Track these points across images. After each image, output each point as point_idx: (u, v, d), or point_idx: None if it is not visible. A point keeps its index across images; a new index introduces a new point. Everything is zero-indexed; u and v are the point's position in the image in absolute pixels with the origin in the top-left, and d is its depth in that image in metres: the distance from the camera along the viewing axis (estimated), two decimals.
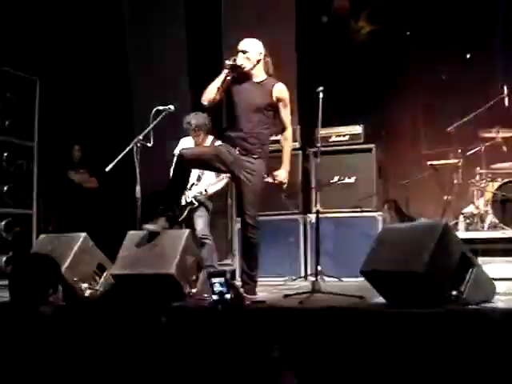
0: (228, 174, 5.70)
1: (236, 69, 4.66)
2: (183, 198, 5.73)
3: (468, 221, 6.12)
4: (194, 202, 5.85)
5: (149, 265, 4.59)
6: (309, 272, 6.47)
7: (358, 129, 6.81)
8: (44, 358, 3.84)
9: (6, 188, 6.77)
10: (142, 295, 4.48)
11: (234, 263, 6.80)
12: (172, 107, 5.01)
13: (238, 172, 4.67)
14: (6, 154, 6.81)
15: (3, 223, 6.72)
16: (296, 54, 7.67)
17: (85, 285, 4.84)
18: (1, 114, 6.81)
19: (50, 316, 4.07)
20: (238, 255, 6.46)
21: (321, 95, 5.12)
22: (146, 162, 4.97)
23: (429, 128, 7.12)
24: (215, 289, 4.04)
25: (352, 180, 6.64)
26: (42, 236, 5.37)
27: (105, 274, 4.98)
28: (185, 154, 4.80)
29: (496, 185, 6.04)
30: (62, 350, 3.92)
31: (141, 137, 4.90)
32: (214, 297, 4.04)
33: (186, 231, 4.87)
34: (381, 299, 4.12)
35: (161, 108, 4.99)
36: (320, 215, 5.34)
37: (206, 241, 5.75)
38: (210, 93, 4.66)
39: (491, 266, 5.00)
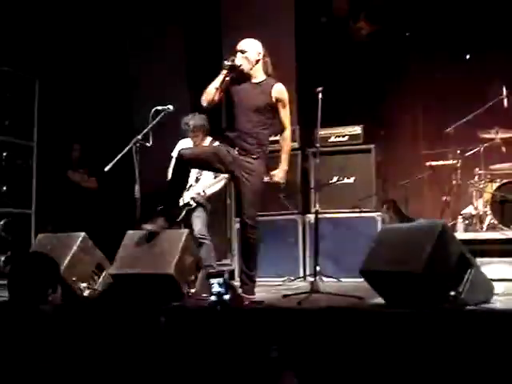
0: (226, 175, 5.73)
1: (235, 69, 4.66)
2: (181, 199, 5.73)
3: (467, 222, 6.12)
4: (192, 203, 5.85)
5: (148, 265, 4.59)
6: (308, 272, 6.48)
7: (357, 129, 6.81)
8: (43, 356, 3.85)
9: (5, 188, 6.77)
10: (141, 295, 4.48)
11: (233, 263, 6.80)
12: (171, 107, 5.01)
13: (237, 172, 4.67)
14: (5, 154, 6.81)
15: (2, 223, 6.72)
16: (295, 55, 7.67)
17: (84, 284, 4.84)
18: (0, 113, 6.81)
19: (51, 314, 4.07)
20: (237, 255, 6.46)
21: (320, 95, 5.13)
22: (146, 161, 4.98)
23: (428, 128, 7.13)
24: (213, 290, 4.04)
25: (351, 180, 6.64)
26: (40, 235, 5.37)
27: (103, 274, 4.99)
28: (184, 153, 4.81)
29: (495, 186, 6.04)
30: (60, 350, 3.93)
31: (140, 137, 4.90)
32: (213, 298, 4.05)
33: (185, 231, 4.88)
34: (379, 299, 4.12)
35: (160, 108, 5.00)
36: (319, 215, 5.35)
37: (204, 241, 5.74)
38: (209, 93, 4.66)
39: (490, 267, 5.02)
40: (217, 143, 5.29)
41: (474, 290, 3.78)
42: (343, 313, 3.78)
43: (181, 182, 5.00)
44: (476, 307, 3.74)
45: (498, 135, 6.15)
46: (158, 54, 8.33)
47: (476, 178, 6.20)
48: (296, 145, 6.72)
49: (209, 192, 5.93)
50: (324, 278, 5.70)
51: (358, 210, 6.50)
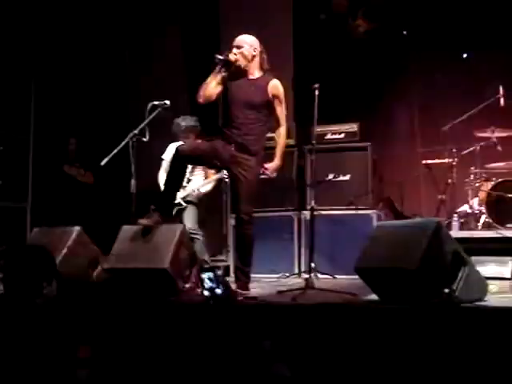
0: (217, 176, 5.78)
1: (230, 65, 4.66)
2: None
3: (462, 220, 6.13)
4: (182, 203, 5.88)
5: (143, 259, 4.60)
6: (302, 269, 6.48)
7: (353, 127, 6.82)
8: (38, 350, 3.85)
9: (0, 181, 6.76)
10: (136, 289, 4.49)
11: (228, 259, 6.80)
12: (168, 102, 5.02)
13: (233, 168, 4.68)
14: (1, 148, 6.79)
15: None
16: (293, 51, 7.66)
17: None
18: None
19: (44, 307, 4.07)
20: (232, 251, 6.47)
21: (316, 92, 5.13)
22: (142, 157, 4.98)
23: (424, 127, 7.13)
24: (205, 284, 4.05)
25: (347, 178, 6.65)
26: (36, 229, 5.37)
27: (98, 268, 5.00)
28: (182, 149, 4.84)
29: (490, 184, 6.05)
30: (56, 344, 3.93)
31: (136, 131, 4.90)
32: (205, 292, 4.06)
33: (180, 226, 4.89)
34: (374, 296, 4.13)
35: (156, 103, 5.00)
36: (314, 212, 5.35)
37: (196, 236, 5.77)
38: (205, 89, 4.68)
39: (484, 266, 5.03)
40: None
41: (468, 288, 3.79)
42: (337, 309, 3.79)
43: (177, 178, 5.02)
44: (470, 305, 3.75)
45: (494, 134, 6.16)
46: (155, 52, 8.32)
47: (472, 176, 6.21)
48: (292, 142, 6.72)
49: (202, 190, 5.98)
50: (319, 275, 5.73)
51: (353, 207, 6.51)
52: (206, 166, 5.59)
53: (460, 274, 3.79)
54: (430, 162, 6.51)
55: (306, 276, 5.08)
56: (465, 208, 6.20)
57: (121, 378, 3.83)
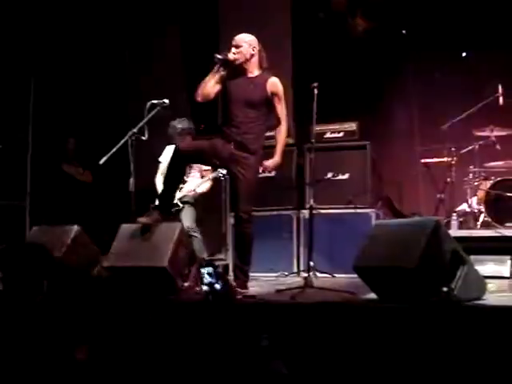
0: (213, 175, 5.79)
1: (228, 63, 4.66)
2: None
3: (461, 219, 6.13)
4: (179, 204, 5.89)
5: (142, 258, 4.60)
6: (301, 268, 6.48)
7: (352, 125, 6.82)
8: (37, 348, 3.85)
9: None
10: (135, 288, 4.49)
11: (228, 258, 6.80)
12: (167, 101, 5.02)
13: (232, 167, 4.68)
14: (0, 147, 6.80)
15: None
16: (292, 50, 7.66)
17: None
18: None
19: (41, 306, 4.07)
20: (231, 250, 6.47)
21: (315, 91, 5.13)
22: (141, 155, 4.97)
23: (423, 126, 7.13)
24: (204, 280, 4.06)
25: (346, 176, 6.64)
26: (35, 228, 5.37)
27: (97, 267, 4.99)
28: (181, 147, 4.87)
29: (489, 183, 6.05)
30: (55, 343, 3.93)
31: (135, 130, 4.90)
32: (204, 287, 4.06)
33: (179, 224, 4.89)
34: (372, 295, 4.14)
35: (155, 102, 5.00)
36: (313, 211, 5.35)
37: (194, 234, 5.79)
38: (203, 88, 4.69)
39: (483, 265, 5.03)
40: None
41: (466, 286, 3.79)
42: (336, 308, 3.79)
43: (177, 176, 5.02)
44: (468, 303, 3.75)
45: (493, 133, 6.16)
46: (155, 51, 8.32)
47: (470, 175, 6.21)
48: (291, 140, 6.71)
49: (199, 190, 6.00)
50: (318, 274, 5.72)
51: (352, 206, 6.51)
52: (205, 164, 5.59)
53: (459, 273, 3.79)
54: (428, 160, 6.52)
55: (305, 275, 5.09)
56: (464, 207, 6.20)
57: (119, 376, 3.84)
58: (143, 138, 4.91)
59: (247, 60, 4.68)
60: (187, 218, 5.88)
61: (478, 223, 6.00)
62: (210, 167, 5.89)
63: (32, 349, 3.87)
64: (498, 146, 6.15)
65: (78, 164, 7.81)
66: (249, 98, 4.65)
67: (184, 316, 4.01)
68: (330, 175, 6.57)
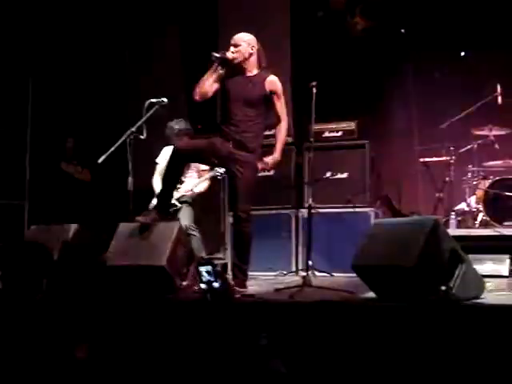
0: (210, 174, 5.79)
1: (226, 62, 4.66)
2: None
3: (459, 218, 6.14)
4: (177, 204, 5.89)
5: (140, 257, 4.60)
6: (300, 267, 6.47)
7: (351, 124, 6.81)
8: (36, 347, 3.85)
9: None
10: (133, 287, 4.49)
11: (226, 257, 6.80)
12: (165, 100, 5.02)
13: (231, 166, 4.68)
14: None
15: None
16: (290, 49, 7.65)
17: None
18: None
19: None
20: (230, 249, 6.47)
21: (314, 90, 5.13)
22: (139, 154, 4.97)
23: (422, 125, 7.12)
24: (203, 278, 4.06)
25: (345, 175, 6.64)
26: (33, 227, 5.37)
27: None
28: (180, 146, 4.87)
29: (488, 182, 6.06)
30: (55, 341, 3.93)
31: (134, 129, 4.90)
32: (202, 286, 4.06)
33: (177, 223, 4.89)
34: (371, 294, 4.14)
35: (154, 101, 5.00)
36: (312, 210, 5.36)
37: (193, 232, 5.79)
38: (201, 87, 4.69)
39: (481, 264, 5.04)
40: None
41: (465, 285, 3.79)
42: (335, 306, 3.79)
43: (176, 176, 5.01)
44: (466, 302, 3.75)
45: (492, 132, 6.17)
46: (155, 51, 8.31)
47: (469, 174, 6.21)
48: (290, 139, 6.71)
49: (196, 190, 6.01)
50: (316, 273, 5.70)
51: (351, 205, 6.50)
52: (204, 163, 5.59)
53: (457, 272, 3.79)
54: (427, 159, 6.52)
55: (304, 274, 5.09)
56: (462, 206, 6.21)
57: (119, 374, 3.84)
58: (141, 137, 4.92)
59: (246, 59, 4.69)
60: (185, 217, 5.88)
61: (477, 222, 6.01)
62: (207, 167, 5.90)
63: (32, 347, 3.86)
64: (496, 146, 6.15)
65: (77, 163, 7.81)
66: (247, 96, 4.65)
67: (182, 315, 4.01)
68: (328, 174, 6.57)
